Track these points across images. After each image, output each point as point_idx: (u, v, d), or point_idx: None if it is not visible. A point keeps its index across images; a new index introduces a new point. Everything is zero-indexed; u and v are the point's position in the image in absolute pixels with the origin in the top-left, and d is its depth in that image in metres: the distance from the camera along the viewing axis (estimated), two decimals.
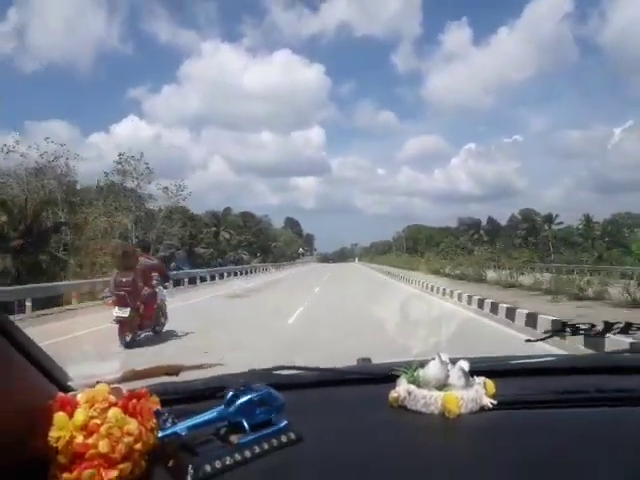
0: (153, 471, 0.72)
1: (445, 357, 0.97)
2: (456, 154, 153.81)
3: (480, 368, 1.05)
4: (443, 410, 0.91)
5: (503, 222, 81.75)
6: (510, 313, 9.89)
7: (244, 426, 0.77)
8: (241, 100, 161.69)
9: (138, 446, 0.70)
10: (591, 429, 0.90)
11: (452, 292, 15.04)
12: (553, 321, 7.20)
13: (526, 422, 0.92)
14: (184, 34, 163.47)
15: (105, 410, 0.71)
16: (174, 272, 22.04)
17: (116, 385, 0.78)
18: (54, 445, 0.67)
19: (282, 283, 26.69)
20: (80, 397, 0.73)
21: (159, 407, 0.79)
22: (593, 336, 1.23)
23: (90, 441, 0.68)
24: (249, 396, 0.79)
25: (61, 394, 0.75)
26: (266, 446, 0.77)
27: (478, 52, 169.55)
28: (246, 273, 38.08)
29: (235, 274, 34.43)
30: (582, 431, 0.89)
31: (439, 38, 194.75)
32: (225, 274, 31.25)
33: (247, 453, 0.74)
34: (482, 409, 0.93)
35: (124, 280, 7.67)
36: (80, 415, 0.70)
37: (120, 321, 7.52)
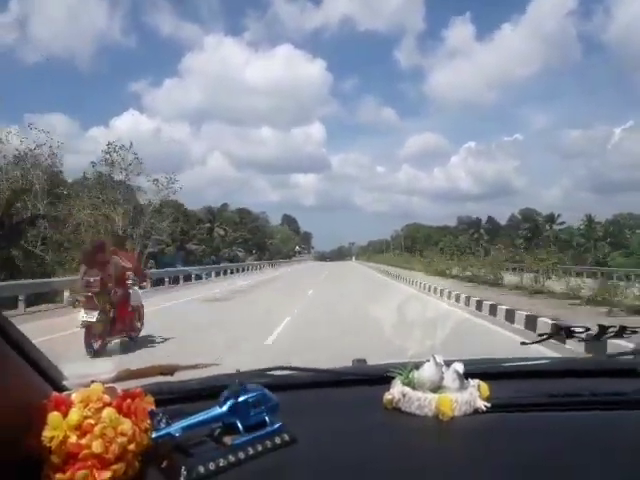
0: (146, 472, 0.72)
1: (440, 359, 0.97)
2: (456, 152, 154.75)
3: (475, 370, 1.05)
4: (437, 412, 0.91)
5: (502, 221, 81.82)
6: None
7: (238, 427, 0.77)
8: (242, 95, 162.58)
9: (132, 447, 0.70)
10: (585, 432, 0.90)
11: (481, 303, 11.65)
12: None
13: (520, 425, 0.92)
14: (186, 27, 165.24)
15: (99, 410, 0.71)
16: (166, 269, 20.58)
17: (111, 385, 0.78)
18: (48, 445, 0.67)
19: (274, 282, 25.44)
20: (75, 396, 0.73)
21: (153, 407, 0.79)
22: (588, 340, 1.23)
23: (84, 441, 0.68)
24: (244, 397, 0.79)
25: (56, 393, 0.75)
26: (260, 448, 0.77)
27: (481, 48, 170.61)
28: (237, 271, 36.54)
29: (226, 272, 33.19)
30: (576, 434, 0.89)
31: (442, 34, 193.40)
32: (213, 273, 29.70)
33: (241, 454, 0.75)
34: (476, 412, 0.93)
35: (92, 280, 6.81)
36: (74, 415, 0.70)
37: (87, 326, 6.61)
